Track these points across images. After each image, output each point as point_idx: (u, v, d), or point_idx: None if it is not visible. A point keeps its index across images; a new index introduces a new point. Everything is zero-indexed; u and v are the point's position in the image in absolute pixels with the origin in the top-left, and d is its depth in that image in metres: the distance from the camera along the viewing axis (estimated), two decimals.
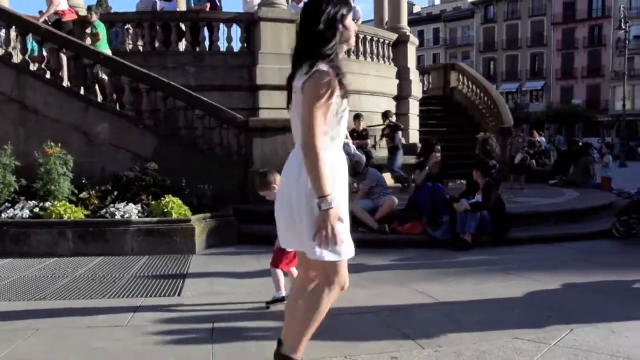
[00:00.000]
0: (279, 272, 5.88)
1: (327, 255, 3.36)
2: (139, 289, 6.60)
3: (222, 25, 13.37)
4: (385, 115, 13.80)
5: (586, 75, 70.00)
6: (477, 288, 6.50)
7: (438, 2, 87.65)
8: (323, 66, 3.27)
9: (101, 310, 5.74)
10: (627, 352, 4.42)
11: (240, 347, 4.72)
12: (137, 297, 6.27)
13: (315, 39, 3.35)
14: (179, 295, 6.38)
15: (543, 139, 25.65)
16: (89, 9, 12.82)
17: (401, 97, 16.31)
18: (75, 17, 12.84)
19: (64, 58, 10.75)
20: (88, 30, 12.26)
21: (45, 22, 11.82)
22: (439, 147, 10.14)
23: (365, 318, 5.49)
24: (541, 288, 6.48)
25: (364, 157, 12.64)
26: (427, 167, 10.11)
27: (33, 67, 10.70)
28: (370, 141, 13.90)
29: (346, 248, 3.40)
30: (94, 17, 12.19)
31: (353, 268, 7.32)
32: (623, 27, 42.97)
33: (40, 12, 13.13)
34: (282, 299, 5.72)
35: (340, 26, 3.39)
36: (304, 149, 3.30)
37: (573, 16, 70.91)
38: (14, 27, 10.79)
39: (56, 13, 12.37)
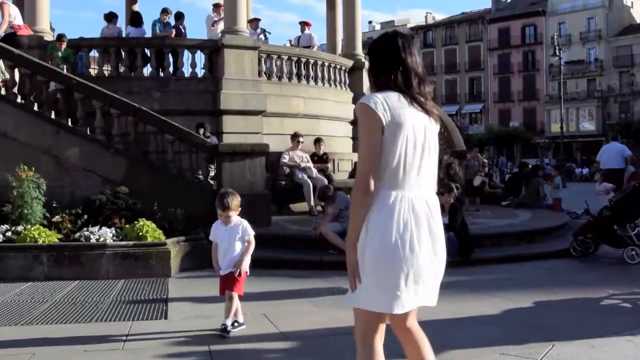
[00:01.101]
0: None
1: None
2: (123, 313, 6.68)
3: (186, 52, 13.53)
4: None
5: (522, 99, 72.39)
6: (454, 307, 6.80)
7: (378, 28, 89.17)
8: None
9: (92, 334, 5.83)
10: None
11: None
12: (125, 321, 6.36)
13: None
14: (165, 318, 6.51)
15: (486, 160, 26.45)
16: (60, 37, 12.83)
17: (357, 122, 16.64)
18: (31, 33, 12.81)
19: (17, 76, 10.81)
20: (59, 55, 12.42)
21: None
22: None
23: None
24: (516, 306, 6.84)
25: (325, 180, 12.96)
26: None
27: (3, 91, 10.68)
28: (330, 164, 14.19)
29: None
30: (64, 45, 12.31)
31: (332, 290, 7.65)
32: (557, 54, 44.76)
33: None
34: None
35: None
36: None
37: (508, 42, 73.42)
38: None
39: (11, 27, 12.30)
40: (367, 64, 16.33)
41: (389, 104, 3.08)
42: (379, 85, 3.22)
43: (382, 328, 3.22)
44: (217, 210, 5.81)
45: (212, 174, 11.25)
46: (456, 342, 5.46)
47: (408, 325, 3.36)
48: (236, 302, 5.85)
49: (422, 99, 3.20)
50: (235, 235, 5.85)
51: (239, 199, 5.90)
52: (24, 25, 12.70)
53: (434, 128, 3.25)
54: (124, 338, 5.71)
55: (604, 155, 16.37)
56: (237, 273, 5.79)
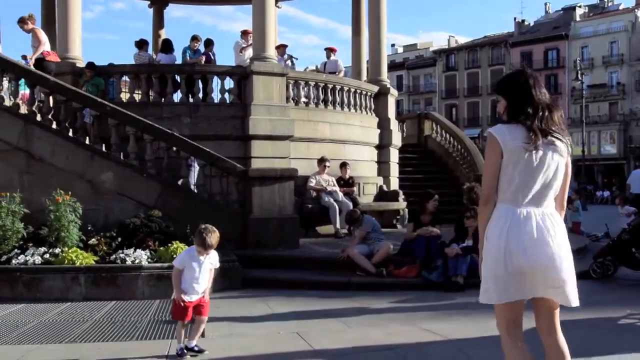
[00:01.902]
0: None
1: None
2: (162, 332, 6.92)
3: (216, 78, 13.89)
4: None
5: None
6: (479, 326, 7.00)
7: (401, 51, 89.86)
8: None
9: (135, 352, 6.09)
10: None
11: None
12: (165, 339, 6.59)
13: None
14: (203, 336, 6.72)
15: None
16: (89, 66, 13.36)
17: (382, 146, 16.94)
18: (58, 60, 13.25)
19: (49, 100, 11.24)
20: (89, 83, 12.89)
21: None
22: (437, 196, 10.71)
23: (385, 355, 5.95)
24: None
25: (351, 204, 13.22)
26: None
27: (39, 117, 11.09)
28: (355, 188, 14.46)
29: None
30: (92, 73, 12.92)
31: (360, 310, 7.87)
32: (580, 78, 44.86)
33: (24, 57, 13.48)
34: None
35: None
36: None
37: (530, 66, 71.34)
38: (22, 79, 11.23)
39: (40, 53, 12.76)
40: (391, 89, 16.71)
41: (511, 133, 3.68)
42: (510, 117, 3.79)
43: (518, 319, 3.90)
44: (197, 247, 6.02)
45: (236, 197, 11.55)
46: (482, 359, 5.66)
47: (548, 331, 3.94)
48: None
49: (548, 129, 3.71)
50: (208, 266, 6.12)
51: (218, 234, 6.07)
52: (52, 52, 13.19)
53: (560, 153, 3.74)
54: (166, 355, 5.97)
55: (634, 180, 16.50)
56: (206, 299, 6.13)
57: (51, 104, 11.34)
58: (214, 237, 5.95)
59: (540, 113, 3.71)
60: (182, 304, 5.94)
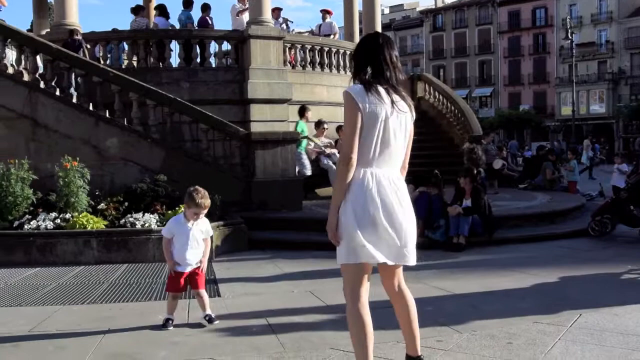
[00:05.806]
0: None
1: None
2: None
3: (213, 43, 13.98)
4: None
5: (532, 82, 72.32)
6: (485, 282, 7.30)
7: (387, 12, 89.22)
8: None
9: (155, 311, 6.25)
10: (634, 330, 5.26)
11: (302, 337, 5.34)
12: (183, 299, 6.78)
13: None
14: (219, 296, 6.99)
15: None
16: None
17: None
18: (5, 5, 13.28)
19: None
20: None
21: None
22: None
23: None
24: (542, 281, 7.33)
25: None
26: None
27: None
28: None
29: None
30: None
31: None
32: (569, 37, 44.91)
33: None
34: None
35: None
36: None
37: (518, 25, 73.31)
38: (24, 46, 11.25)
39: None
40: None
41: (368, 92, 3.63)
42: (360, 76, 3.78)
43: (365, 283, 3.93)
44: (188, 209, 5.72)
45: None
46: (491, 313, 5.91)
47: (396, 286, 4.21)
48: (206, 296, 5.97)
49: (399, 89, 3.76)
50: (199, 235, 5.84)
51: (209, 200, 5.82)
52: None
53: (408, 115, 3.81)
54: (186, 313, 6.19)
55: None
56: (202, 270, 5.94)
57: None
58: (205, 198, 5.69)
59: (393, 73, 3.74)
60: (172, 273, 5.79)
